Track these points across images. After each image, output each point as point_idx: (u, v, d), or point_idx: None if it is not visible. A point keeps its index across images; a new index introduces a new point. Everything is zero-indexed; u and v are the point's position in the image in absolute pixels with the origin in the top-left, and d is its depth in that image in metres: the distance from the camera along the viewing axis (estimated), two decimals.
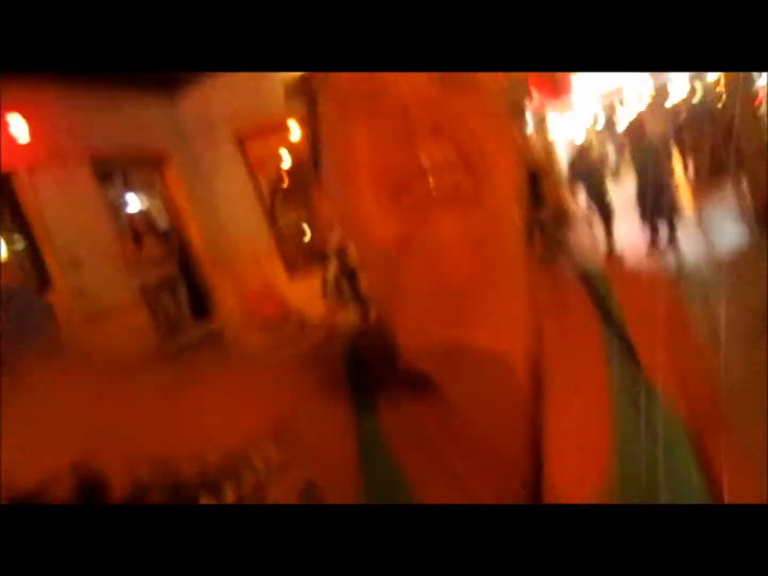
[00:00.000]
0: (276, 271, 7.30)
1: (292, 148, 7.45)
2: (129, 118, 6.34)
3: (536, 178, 7.80)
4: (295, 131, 7.14)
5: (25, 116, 5.44)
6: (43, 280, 5.58)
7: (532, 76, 11.26)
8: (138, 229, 6.80)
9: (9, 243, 5.56)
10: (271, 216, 7.46)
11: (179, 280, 6.92)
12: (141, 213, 7.04)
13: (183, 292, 6.88)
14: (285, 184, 7.63)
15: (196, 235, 7.05)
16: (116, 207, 6.68)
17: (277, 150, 7.46)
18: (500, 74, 0.78)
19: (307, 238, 7.51)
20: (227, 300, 6.83)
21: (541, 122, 12.95)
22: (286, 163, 7.53)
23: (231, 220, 7.14)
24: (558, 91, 13.63)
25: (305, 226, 7.54)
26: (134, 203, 6.96)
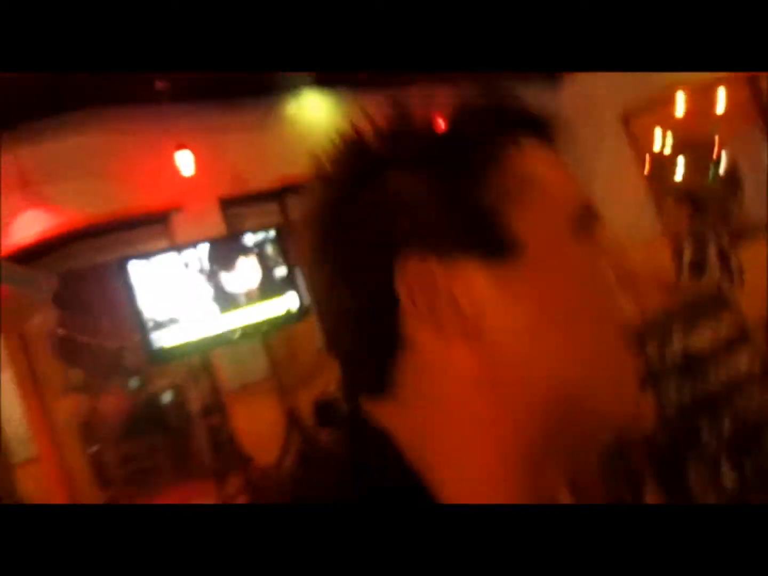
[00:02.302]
0: (663, 254, 6.62)
1: (677, 124, 7.15)
2: None
3: None
4: (680, 106, 6.82)
5: None
6: None
7: None
8: None
9: None
10: (657, 197, 7.07)
11: None
12: None
13: None
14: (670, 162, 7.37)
15: None
16: None
17: (662, 126, 7.24)
18: None
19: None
20: None
21: None
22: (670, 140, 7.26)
23: (613, 201, 6.62)
24: None
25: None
26: None
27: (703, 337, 4.00)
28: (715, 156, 7.84)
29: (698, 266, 4.38)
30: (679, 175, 7.60)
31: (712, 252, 4.34)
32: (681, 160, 7.58)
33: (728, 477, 3.51)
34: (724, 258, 4.38)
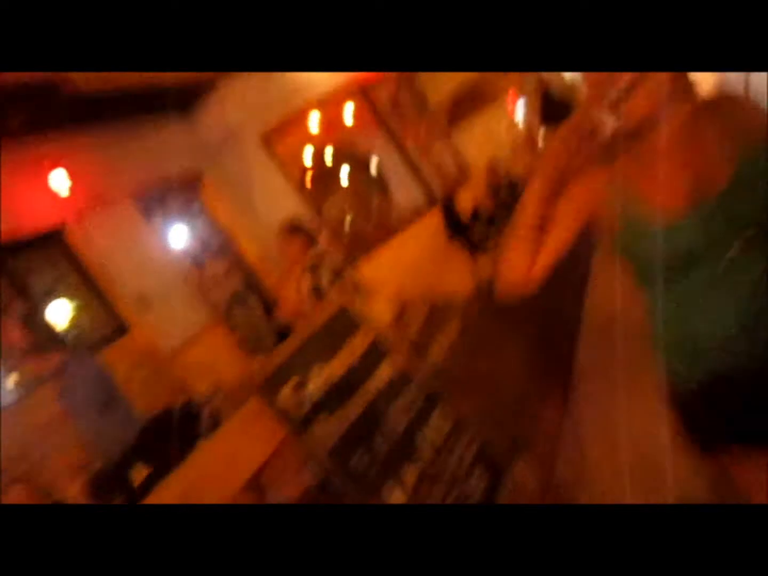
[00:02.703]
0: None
1: (316, 139, 7.43)
2: (154, 148, 6.33)
3: None
4: (315, 122, 7.17)
5: (65, 169, 5.47)
6: (117, 326, 5.60)
7: None
8: (195, 253, 6.86)
9: (73, 298, 5.51)
10: (315, 207, 7.38)
11: (248, 290, 6.98)
12: (193, 237, 7.04)
13: (254, 300, 6.94)
14: (317, 173, 7.62)
15: (248, 244, 7.05)
16: (167, 237, 6.71)
17: (305, 142, 7.44)
18: None
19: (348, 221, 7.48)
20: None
21: None
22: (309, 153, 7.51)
23: (275, 219, 6.82)
24: None
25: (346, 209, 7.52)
26: (183, 229, 6.96)
27: (341, 361, 3.55)
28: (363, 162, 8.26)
29: (317, 292, 4.31)
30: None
31: (326, 276, 4.32)
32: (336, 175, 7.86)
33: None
34: (342, 278, 4.37)
